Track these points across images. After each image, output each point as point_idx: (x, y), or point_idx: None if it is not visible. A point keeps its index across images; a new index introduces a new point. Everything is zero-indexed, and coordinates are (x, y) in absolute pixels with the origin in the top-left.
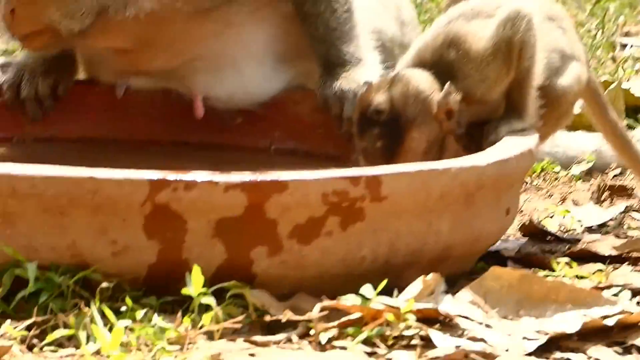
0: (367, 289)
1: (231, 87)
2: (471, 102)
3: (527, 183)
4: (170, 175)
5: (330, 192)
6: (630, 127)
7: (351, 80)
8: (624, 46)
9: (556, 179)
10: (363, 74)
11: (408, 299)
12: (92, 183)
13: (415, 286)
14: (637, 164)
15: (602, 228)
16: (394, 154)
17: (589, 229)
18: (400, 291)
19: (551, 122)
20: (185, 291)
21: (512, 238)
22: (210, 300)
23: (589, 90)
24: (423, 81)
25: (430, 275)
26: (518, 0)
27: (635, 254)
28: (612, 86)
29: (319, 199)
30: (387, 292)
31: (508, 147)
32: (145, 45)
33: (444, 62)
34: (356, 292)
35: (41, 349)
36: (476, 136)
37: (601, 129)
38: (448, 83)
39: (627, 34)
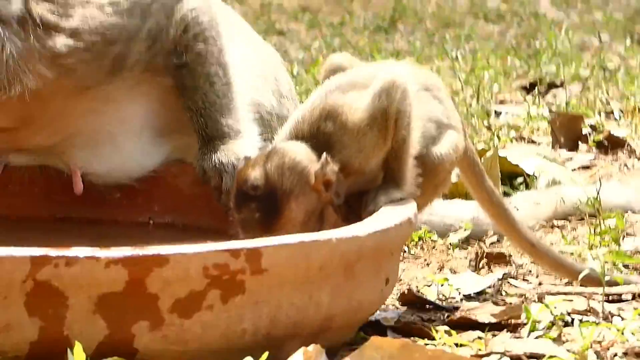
0: None
1: (109, 162)
2: (349, 172)
3: (404, 252)
4: (52, 252)
5: (210, 266)
6: (506, 194)
7: (230, 153)
8: (499, 114)
9: (434, 247)
10: (242, 146)
11: None
12: None
13: (296, 358)
14: (514, 232)
15: (480, 295)
16: (272, 225)
17: (468, 297)
18: None
19: (429, 191)
20: None
21: (391, 307)
22: None
23: (466, 159)
24: (300, 153)
25: (311, 347)
26: (393, 70)
27: (513, 321)
28: (488, 154)
29: (200, 272)
30: None
31: (387, 217)
32: (26, 123)
33: (322, 134)
34: None
35: None
36: (355, 206)
37: (477, 198)
38: (324, 154)
39: (502, 102)
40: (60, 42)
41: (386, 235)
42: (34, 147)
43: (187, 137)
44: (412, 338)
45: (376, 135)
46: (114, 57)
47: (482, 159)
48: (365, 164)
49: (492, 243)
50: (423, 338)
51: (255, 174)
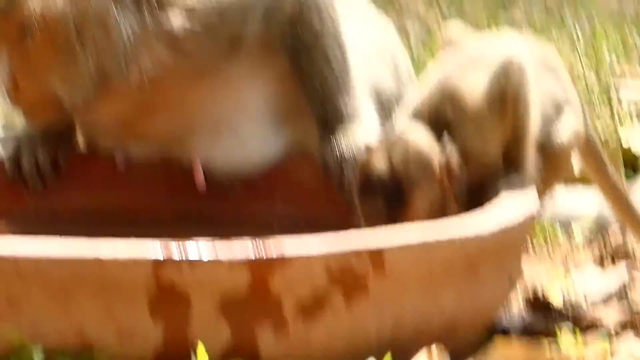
0: None
1: (230, 152)
2: (469, 160)
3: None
4: (175, 254)
5: (334, 267)
6: (628, 182)
7: (350, 141)
8: (618, 89)
9: (557, 242)
10: (362, 131)
11: None
12: (97, 263)
13: (420, 358)
14: (636, 224)
15: (606, 296)
16: (397, 216)
17: (593, 298)
18: None
19: (550, 180)
20: None
21: (514, 310)
22: None
23: (587, 145)
24: (422, 142)
25: (434, 347)
26: (510, 47)
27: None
28: (609, 143)
29: (323, 274)
30: None
31: (510, 212)
32: (146, 111)
33: (441, 119)
34: None
35: None
36: (476, 196)
37: (598, 185)
38: (448, 144)
39: (622, 80)
40: (177, 22)
41: (510, 233)
42: (153, 136)
43: (307, 121)
44: (537, 341)
45: (495, 120)
46: (231, 37)
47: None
48: (485, 151)
49: (617, 240)
50: (548, 342)
51: (379, 165)
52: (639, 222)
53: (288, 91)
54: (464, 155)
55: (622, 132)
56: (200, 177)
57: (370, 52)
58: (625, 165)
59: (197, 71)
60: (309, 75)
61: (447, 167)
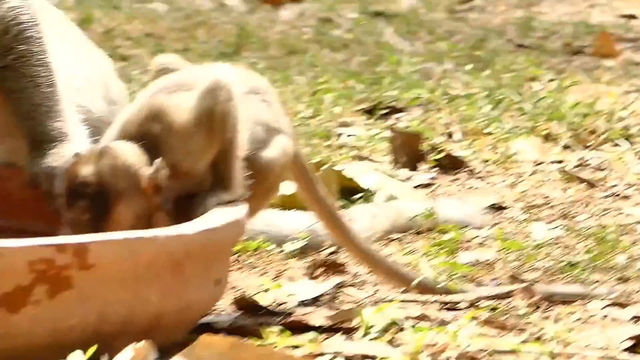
0: (76, 356)
1: None
2: (178, 175)
3: (240, 262)
4: None
5: (37, 260)
6: (345, 209)
7: (60, 157)
8: (339, 135)
9: (270, 257)
10: (71, 150)
11: None
12: None
13: (126, 354)
14: (347, 240)
15: (315, 302)
16: (101, 226)
17: (303, 304)
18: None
19: (260, 195)
20: None
21: (224, 312)
22: None
23: (296, 165)
24: (131, 155)
25: (142, 343)
26: (218, 72)
27: (348, 325)
28: (324, 167)
29: (26, 266)
30: None
31: (216, 217)
32: None
33: (149, 136)
34: None
35: None
36: (185, 210)
37: (310, 204)
38: (160, 159)
39: (343, 124)
40: None
41: (214, 234)
42: None
43: (17, 140)
44: (244, 339)
45: (203, 136)
46: None
47: (319, 171)
48: (194, 166)
49: (329, 253)
50: (256, 340)
51: (86, 172)
52: (348, 236)
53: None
54: (173, 169)
55: (339, 165)
56: None
57: (80, 76)
58: (342, 190)
59: None
60: (16, 96)
61: (153, 179)
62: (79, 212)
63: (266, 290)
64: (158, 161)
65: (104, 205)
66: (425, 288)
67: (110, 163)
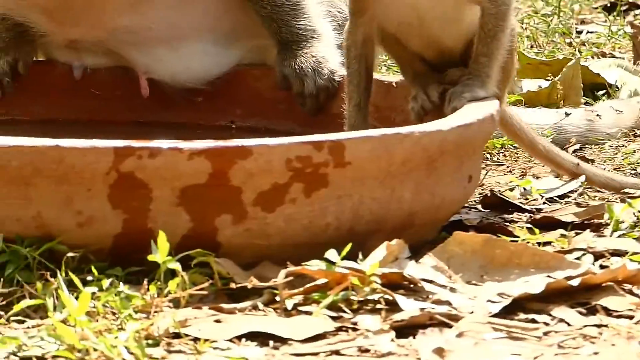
0: (331, 254)
1: (169, 66)
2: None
3: (487, 159)
4: (135, 143)
5: (294, 158)
6: (588, 104)
7: (309, 57)
8: (580, 32)
9: (517, 154)
10: (320, 48)
11: (372, 263)
12: (57, 152)
13: (380, 252)
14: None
15: (563, 199)
16: None
17: (550, 200)
18: (364, 257)
19: (503, 92)
20: (151, 257)
21: (474, 210)
22: (176, 266)
23: None
24: None
25: (394, 241)
26: None
27: (597, 221)
28: (570, 63)
29: (283, 165)
30: (351, 258)
31: (470, 113)
32: (62, 3)
33: None
34: (321, 260)
35: (7, 320)
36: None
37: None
38: None
39: (583, 22)
40: None
41: (468, 130)
42: (86, 42)
43: (264, 39)
44: (495, 236)
45: None
46: None
47: (564, 68)
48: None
49: (574, 150)
50: (507, 236)
51: None
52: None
53: (235, 10)
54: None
55: (582, 61)
56: (144, 87)
57: None
58: (586, 88)
59: None
60: None
61: None
62: None
63: (512, 189)
64: None
65: None
66: None
67: None
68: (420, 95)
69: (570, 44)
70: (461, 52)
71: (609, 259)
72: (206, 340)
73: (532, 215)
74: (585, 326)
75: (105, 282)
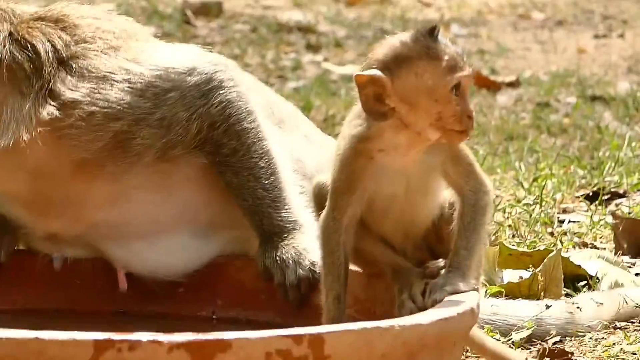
0: None
1: (147, 260)
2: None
3: (466, 351)
4: (115, 336)
5: (273, 351)
6: (569, 296)
7: (290, 248)
8: (561, 222)
9: None
10: (301, 239)
11: None
12: (37, 344)
13: None
14: None
15: None
16: None
17: None
18: None
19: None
20: None
21: None
22: None
23: None
24: None
25: None
26: None
27: None
28: (551, 254)
29: (263, 358)
30: None
31: (450, 306)
32: (42, 198)
33: None
34: None
35: None
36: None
37: None
38: None
39: (565, 211)
40: (50, 110)
41: (449, 324)
42: (66, 235)
43: (246, 230)
44: None
45: None
46: (116, 134)
47: (545, 259)
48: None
49: (554, 342)
50: None
51: None
52: None
53: (214, 201)
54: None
55: (563, 253)
56: (121, 281)
57: (312, 165)
58: (566, 280)
59: (84, 162)
60: (238, 190)
61: None
62: None
63: None
64: None
65: None
66: None
67: None
68: (408, 304)
69: (551, 234)
70: (423, 234)
71: None
72: None
73: None
74: None
75: None
